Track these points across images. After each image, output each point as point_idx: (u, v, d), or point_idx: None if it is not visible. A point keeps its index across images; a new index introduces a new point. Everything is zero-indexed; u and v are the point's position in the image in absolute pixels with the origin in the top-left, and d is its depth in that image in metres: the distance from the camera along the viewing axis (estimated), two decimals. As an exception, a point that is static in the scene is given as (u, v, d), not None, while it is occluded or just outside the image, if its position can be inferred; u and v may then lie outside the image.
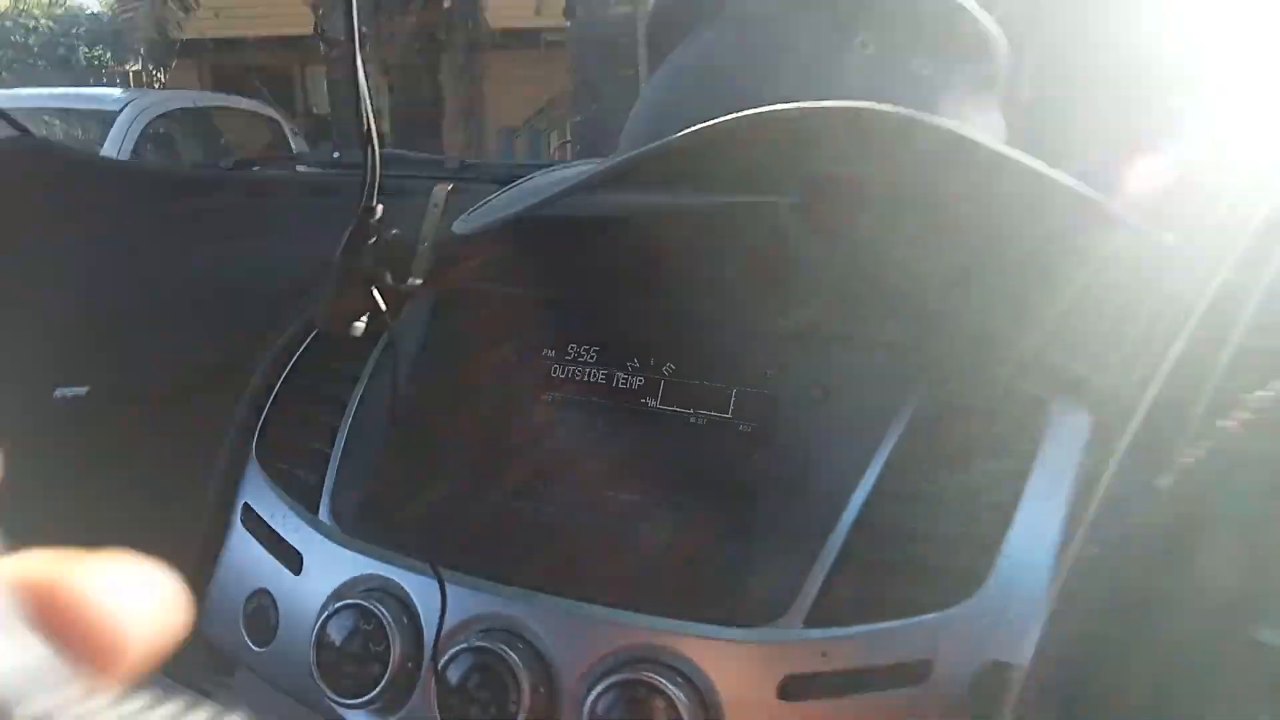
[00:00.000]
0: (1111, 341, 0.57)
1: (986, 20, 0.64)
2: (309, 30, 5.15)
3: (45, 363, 0.78)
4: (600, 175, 0.57)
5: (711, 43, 0.63)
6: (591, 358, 0.73)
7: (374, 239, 0.51)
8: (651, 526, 0.65)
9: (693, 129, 0.52)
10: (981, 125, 0.65)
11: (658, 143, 0.54)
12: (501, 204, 0.67)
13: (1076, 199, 0.52)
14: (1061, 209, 0.53)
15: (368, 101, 0.45)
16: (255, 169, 1.23)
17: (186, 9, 6.08)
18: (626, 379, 0.71)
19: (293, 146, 4.79)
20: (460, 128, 5.57)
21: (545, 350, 0.73)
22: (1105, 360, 0.56)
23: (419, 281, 0.60)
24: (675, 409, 0.69)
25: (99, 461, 0.73)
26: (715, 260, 0.69)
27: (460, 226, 0.65)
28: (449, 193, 0.62)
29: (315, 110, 6.84)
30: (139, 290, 0.84)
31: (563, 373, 0.73)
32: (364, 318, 0.54)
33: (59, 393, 0.72)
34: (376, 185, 0.49)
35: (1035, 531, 0.50)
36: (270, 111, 5.05)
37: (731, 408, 0.67)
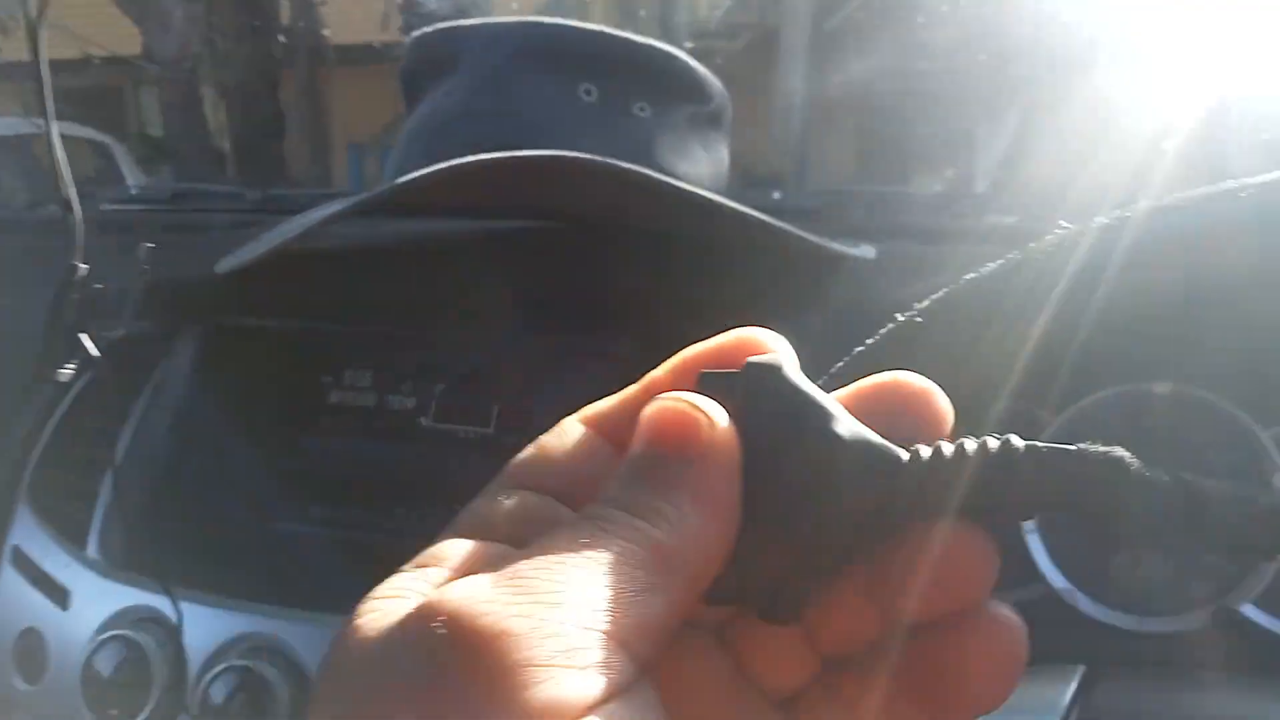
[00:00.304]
0: (810, 345, 0.65)
1: (701, 68, 0.71)
2: (138, 50, 4.96)
3: None
4: (340, 211, 0.62)
5: (450, 93, 0.68)
6: (367, 382, 0.77)
7: (80, 292, 0.54)
8: (420, 542, 0.70)
9: (419, 173, 0.57)
10: (705, 159, 0.73)
11: (393, 182, 0.59)
12: (262, 240, 0.70)
13: (763, 227, 0.60)
14: (751, 236, 0.60)
15: (64, 166, 0.48)
16: (50, 208, 1.22)
17: (4, 30, 5.76)
18: (400, 400, 0.76)
19: (125, 173, 4.60)
20: (304, 146, 5.46)
21: (322, 377, 0.77)
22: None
23: (121, 331, 0.63)
24: (447, 426, 0.74)
25: None
26: (476, 285, 0.74)
27: (221, 265, 0.68)
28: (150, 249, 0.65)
29: (150, 133, 6.57)
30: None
31: (339, 398, 0.77)
32: (71, 364, 0.57)
33: None
34: (81, 244, 0.52)
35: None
36: (100, 137, 4.83)
37: (494, 423, 0.73)
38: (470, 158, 0.56)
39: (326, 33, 5.38)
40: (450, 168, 0.56)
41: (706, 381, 0.19)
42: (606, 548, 0.16)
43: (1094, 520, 0.18)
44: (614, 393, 0.21)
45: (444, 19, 0.75)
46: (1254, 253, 0.33)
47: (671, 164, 0.68)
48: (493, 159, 0.54)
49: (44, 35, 0.50)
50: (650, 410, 0.18)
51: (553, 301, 0.73)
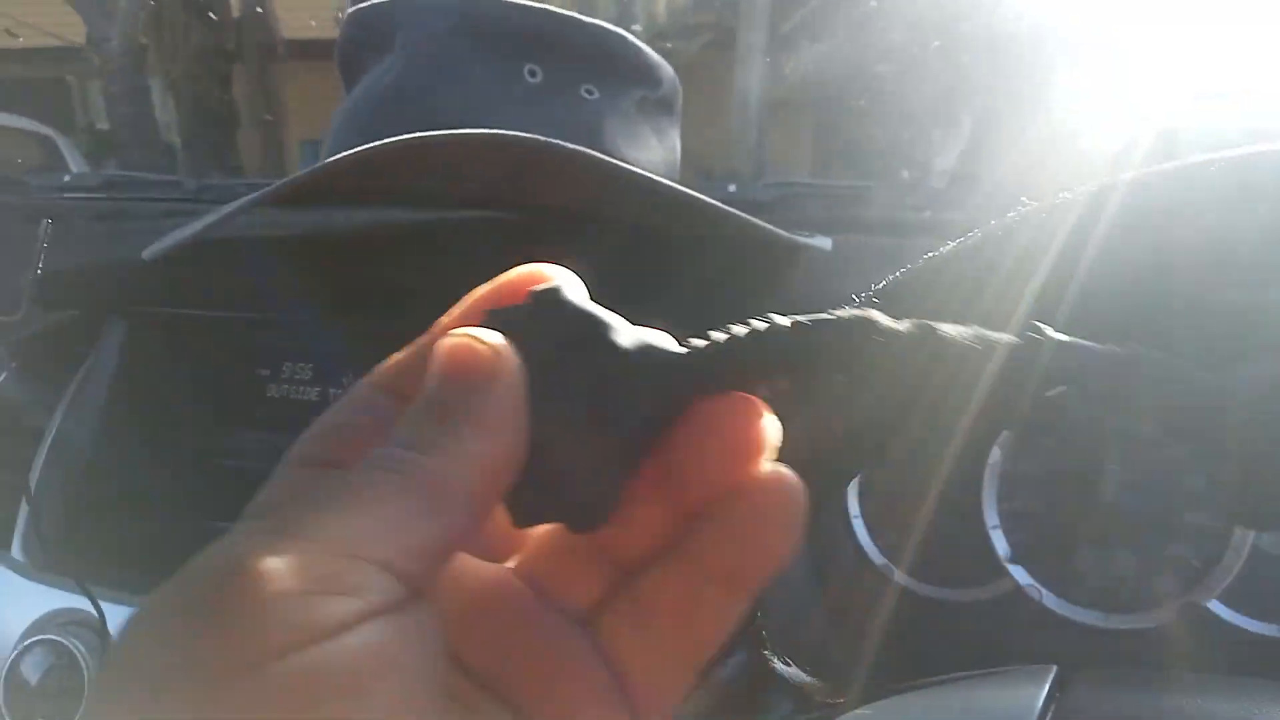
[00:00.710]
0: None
1: (650, 52, 0.69)
2: (82, 41, 4.82)
3: None
4: (263, 195, 0.59)
5: (387, 72, 0.65)
6: (307, 375, 0.74)
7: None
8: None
9: (344, 154, 0.54)
10: (658, 145, 0.71)
11: (316, 165, 0.57)
12: (191, 226, 0.67)
13: (719, 214, 0.58)
14: (706, 224, 0.58)
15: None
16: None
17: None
18: (341, 395, 0.73)
19: (71, 165, 4.48)
20: (257, 141, 5.35)
21: (259, 370, 0.74)
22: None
23: (18, 315, 0.60)
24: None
25: None
26: (420, 274, 0.72)
27: (147, 251, 0.65)
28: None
29: (96, 125, 6.40)
30: None
31: (278, 392, 0.74)
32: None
33: None
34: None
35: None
36: (43, 129, 4.70)
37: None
38: (395, 139, 0.53)
39: (278, 26, 5.28)
40: (375, 149, 0.53)
41: (493, 317, 0.20)
42: (370, 483, 0.17)
43: (847, 374, 0.19)
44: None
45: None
46: (1212, 228, 0.32)
47: (622, 149, 0.66)
48: (422, 138, 0.51)
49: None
50: (435, 350, 0.19)
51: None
